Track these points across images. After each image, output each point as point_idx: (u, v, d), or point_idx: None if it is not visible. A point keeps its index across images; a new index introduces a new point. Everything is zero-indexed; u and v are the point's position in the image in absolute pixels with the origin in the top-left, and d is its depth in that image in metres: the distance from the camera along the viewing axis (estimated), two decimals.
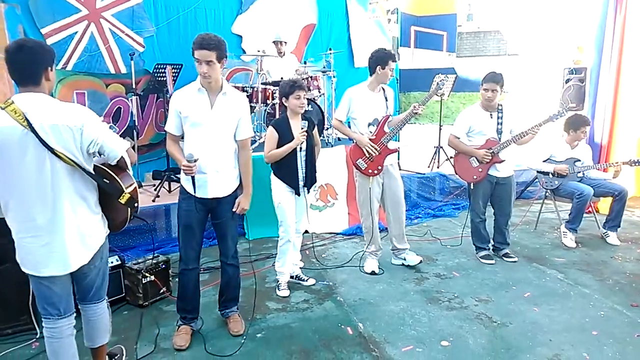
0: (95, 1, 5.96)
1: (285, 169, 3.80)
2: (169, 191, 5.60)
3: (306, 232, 5.45)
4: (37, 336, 3.23)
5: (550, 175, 5.17)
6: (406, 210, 6.17)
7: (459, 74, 12.82)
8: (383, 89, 4.23)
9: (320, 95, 6.51)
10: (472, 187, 4.59)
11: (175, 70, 5.71)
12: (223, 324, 3.44)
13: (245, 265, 4.55)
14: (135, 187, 2.50)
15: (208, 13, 7.05)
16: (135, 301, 3.73)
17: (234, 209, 3.16)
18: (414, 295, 3.90)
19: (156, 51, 6.45)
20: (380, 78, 4.12)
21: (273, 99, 6.01)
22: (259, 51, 6.33)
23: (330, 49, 6.57)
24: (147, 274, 3.68)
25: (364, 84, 4.26)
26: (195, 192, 3.02)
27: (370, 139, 4.12)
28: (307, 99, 6.07)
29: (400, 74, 9.03)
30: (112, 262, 3.76)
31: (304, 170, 3.84)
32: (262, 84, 6.18)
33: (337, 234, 5.48)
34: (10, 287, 3.24)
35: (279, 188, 3.85)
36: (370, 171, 4.19)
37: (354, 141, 4.21)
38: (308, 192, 3.95)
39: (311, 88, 6.30)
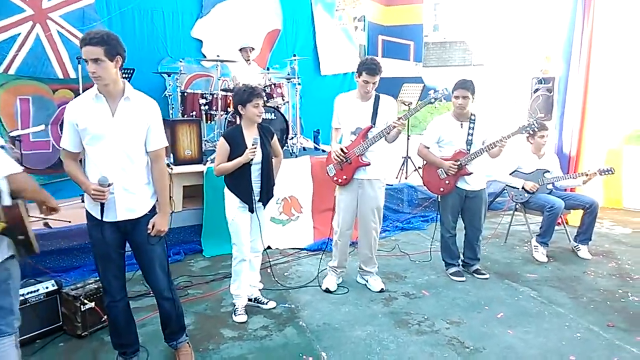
0: (41, 1, 5.56)
1: (238, 183, 3.48)
2: None
3: (268, 248, 5.16)
4: None
5: (520, 189, 5.01)
6: None
7: (426, 84, 12.84)
8: (377, 99, 3.92)
9: (284, 103, 6.23)
10: (439, 198, 4.39)
11: (126, 75, 5.33)
12: (172, 355, 3.09)
13: (200, 286, 4.25)
14: (17, 214, 2.11)
15: (166, 16, 6.73)
16: (74, 331, 3.35)
17: (148, 231, 2.71)
18: (382, 319, 3.63)
19: None
20: (359, 88, 3.87)
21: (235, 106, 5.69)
22: (218, 56, 6.01)
23: (294, 55, 6.30)
24: (86, 301, 3.30)
25: (354, 91, 3.99)
26: (102, 217, 2.60)
27: (343, 148, 3.89)
28: (271, 107, 5.81)
29: None
30: (47, 287, 3.37)
31: (259, 185, 3.53)
32: (222, 90, 5.87)
33: (302, 249, 5.18)
34: None
35: (232, 203, 3.53)
36: (336, 179, 3.97)
37: None
38: (264, 207, 3.63)
39: (274, 96, 6.02)
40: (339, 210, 4.07)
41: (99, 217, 2.60)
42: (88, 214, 2.71)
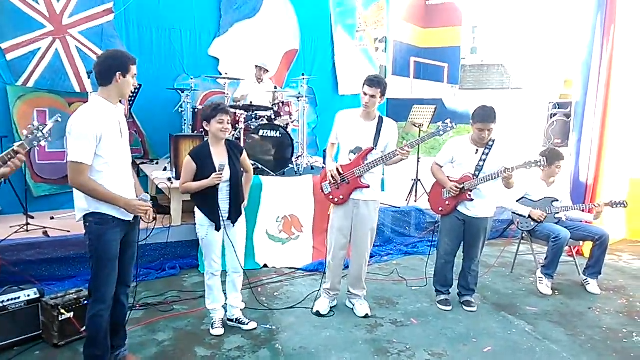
0: (62, 17, 5.79)
1: (205, 202, 3.47)
2: None
3: (265, 266, 5.14)
4: None
5: (526, 217, 4.81)
6: (377, 246, 5.93)
7: (459, 107, 12.58)
8: (381, 121, 3.88)
9: (292, 122, 6.24)
10: (439, 220, 4.27)
11: (133, 91, 5.45)
12: None
13: (188, 302, 4.24)
14: None
15: (183, 34, 6.89)
16: (51, 340, 3.38)
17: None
18: (362, 346, 3.52)
19: None
20: (361, 102, 3.83)
21: (241, 123, 5.73)
22: (226, 74, 6.08)
23: (303, 75, 6.32)
24: (63, 311, 3.33)
25: (358, 109, 3.93)
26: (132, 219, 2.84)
27: (340, 166, 3.83)
28: (278, 125, 5.83)
29: (388, 103, 8.78)
30: (28, 295, 3.43)
31: (227, 203, 3.50)
32: (230, 107, 5.92)
33: (298, 269, 5.11)
34: None
35: (202, 221, 3.52)
36: (331, 197, 3.90)
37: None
38: (233, 225, 3.58)
39: (282, 114, 6.03)
40: (332, 229, 4.00)
41: (123, 217, 2.77)
42: (104, 217, 2.72)
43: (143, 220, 2.88)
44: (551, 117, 6.22)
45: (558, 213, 4.76)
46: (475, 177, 4.01)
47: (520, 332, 3.81)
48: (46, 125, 2.42)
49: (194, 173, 3.43)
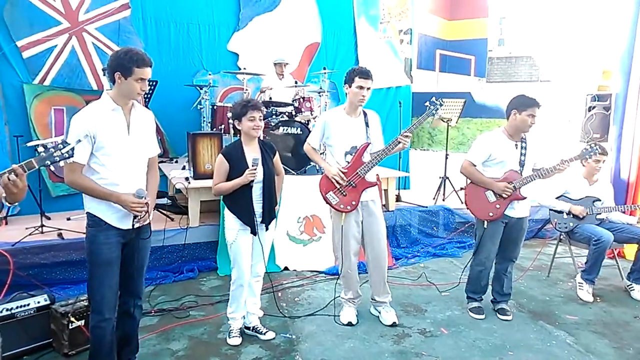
0: (77, 14, 5.67)
1: (238, 203, 3.27)
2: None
3: (285, 269, 4.94)
4: None
5: (565, 215, 4.49)
6: (404, 247, 5.67)
7: (488, 101, 12.12)
8: (365, 114, 3.68)
9: (314, 118, 6.01)
10: (485, 226, 3.85)
11: (150, 87, 5.30)
12: None
13: (205, 307, 4.06)
14: None
15: (202, 29, 6.73)
16: (61, 349, 3.23)
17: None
18: (388, 358, 3.27)
19: None
20: (351, 98, 3.58)
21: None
22: (244, 69, 5.89)
23: (324, 68, 6.08)
24: (73, 319, 3.17)
25: (340, 107, 3.74)
26: (133, 226, 2.64)
27: (342, 170, 3.57)
28: (299, 121, 5.61)
29: (414, 97, 8.49)
30: (38, 302, 3.29)
31: (261, 205, 3.30)
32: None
33: (320, 272, 4.89)
34: None
35: (232, 224, 3.32)
36: (342, 206, 3.60)
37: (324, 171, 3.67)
38: (266, 229, 3.39)
39: (303, 110, 5.81)
40: (346, 238, 3.67)
41: (123, 227, 2.63)
42: (95, 220, 2.62)
43: (139, 222, 2.66)
44: (589, 110, 5.83)
45: (600, 214, 4.43)
46: (520, 174, 3.71)
47: (561, 343, 3.51)
48: (68, 144, 2.12)
49: (226, 173, 3.25)
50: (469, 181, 3.89)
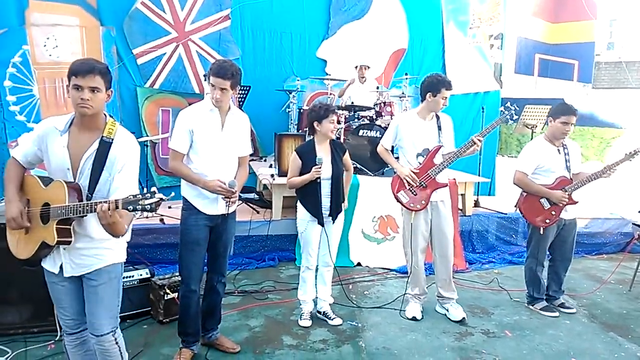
0: (184, 25, 6.34)
1: (308, 197, 3.61)
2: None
3: (358, 264, 5.19)
4: (56, 338, 3.32)
5: None
6: (479, 253, 5.69)
7: (585, 109, 11.42)
8: (437, 117, 3.87)
9: None
10: (542, 231, 3.96)
11: (242, 92, 5.81)
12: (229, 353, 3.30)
13: (281, 292, 4.43)
14: None
15: (294, 37, 7.16)
16: (157, 317, 3.75)
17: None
18: (447, 353, 3.42)
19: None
20: (431, 106, 3.77)
21: (342, 122, 5.84)
22: (329, 74, 6.22)
23: (406, 74, 6.25)
24: (168, 291, 3.67)
25: (413, 111, 3.97)
26: (226, 211, 3.04)
27: (414, 170, 3.77)
28: (379, 125, 5.84)
29: (504, 103, 8.35)
30: (141, 275, 3.84)
31: (329, 199, 3.61)
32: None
33: (391, 270, 5.09)
34: (41, 287, 3.38)
35: (303, 216, 3.68)
36: (412, 205, 3.82)
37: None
38: (333, 222, 3.69)
39: (384, 114, 6.03)
40: (415, 236, 3.89)
41: (210, 212, 3.03)
42: (187, 204, 3.08)
43: (228, 207, 3.03)
44: None
45: None
46: (570, 180, 3.88)
47: (630, 357, 3.43)
48: (154, 195, 1.98)
49: (299, 169, 3.60)
50: (523, 192, 4.02)
